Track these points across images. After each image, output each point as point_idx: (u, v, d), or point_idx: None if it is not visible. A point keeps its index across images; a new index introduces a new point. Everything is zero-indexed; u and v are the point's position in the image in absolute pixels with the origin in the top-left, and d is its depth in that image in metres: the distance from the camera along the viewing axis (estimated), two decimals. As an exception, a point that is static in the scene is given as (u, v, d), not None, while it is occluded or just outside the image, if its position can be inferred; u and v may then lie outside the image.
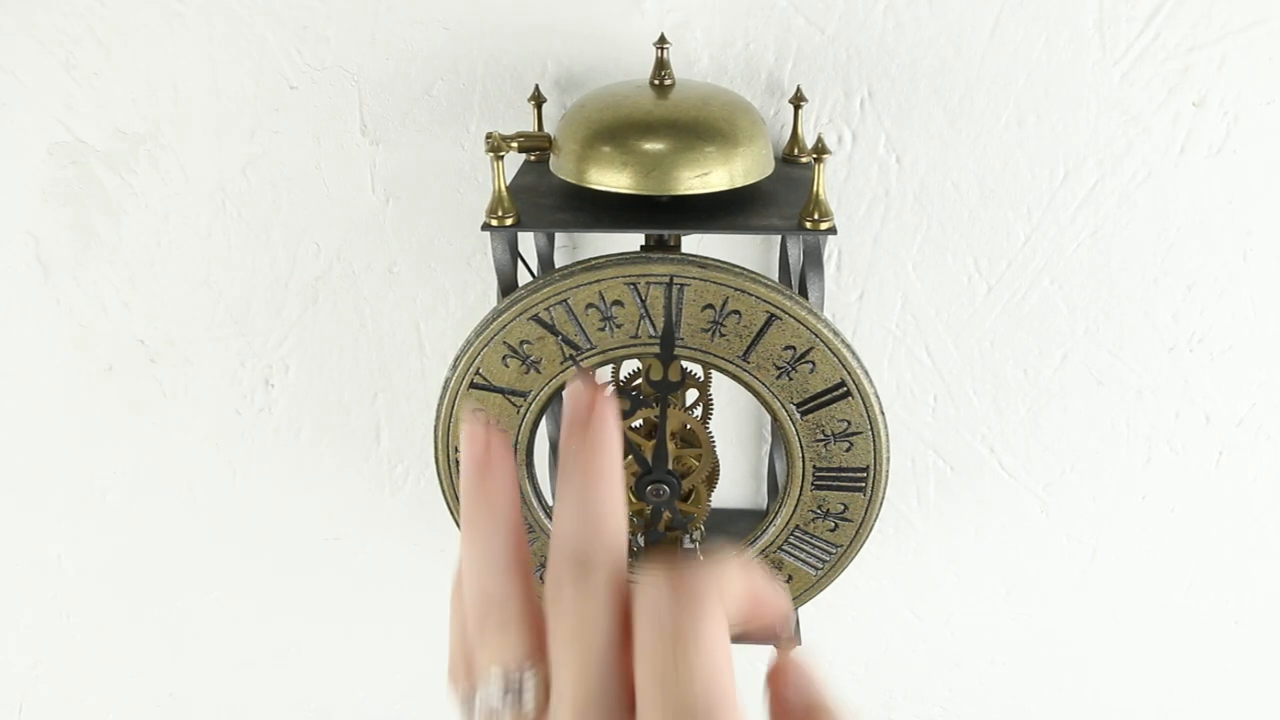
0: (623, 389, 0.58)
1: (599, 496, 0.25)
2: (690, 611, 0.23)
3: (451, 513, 0.53)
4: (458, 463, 0.52)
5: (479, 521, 0.27)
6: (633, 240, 0.52)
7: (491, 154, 0.47)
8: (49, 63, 0.59)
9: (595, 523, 0.25)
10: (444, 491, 0.53)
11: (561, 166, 0.49)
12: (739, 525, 0.65)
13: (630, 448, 0.51)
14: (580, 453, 0.25)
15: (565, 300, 0.47)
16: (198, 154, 0.61)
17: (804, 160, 0.55)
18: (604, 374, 0.27)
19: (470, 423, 0.26)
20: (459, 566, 0.28)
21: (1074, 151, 0.57)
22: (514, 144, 0.47)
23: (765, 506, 0.68)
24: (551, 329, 0.48)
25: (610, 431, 0.25)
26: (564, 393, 0.27)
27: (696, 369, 0.59)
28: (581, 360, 0.49)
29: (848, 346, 0.48)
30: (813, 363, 0.48)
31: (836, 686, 0.77)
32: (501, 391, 0.50)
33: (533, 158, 0.56)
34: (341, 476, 0.71)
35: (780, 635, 0.26)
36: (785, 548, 0.52)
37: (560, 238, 0.61)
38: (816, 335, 0.47)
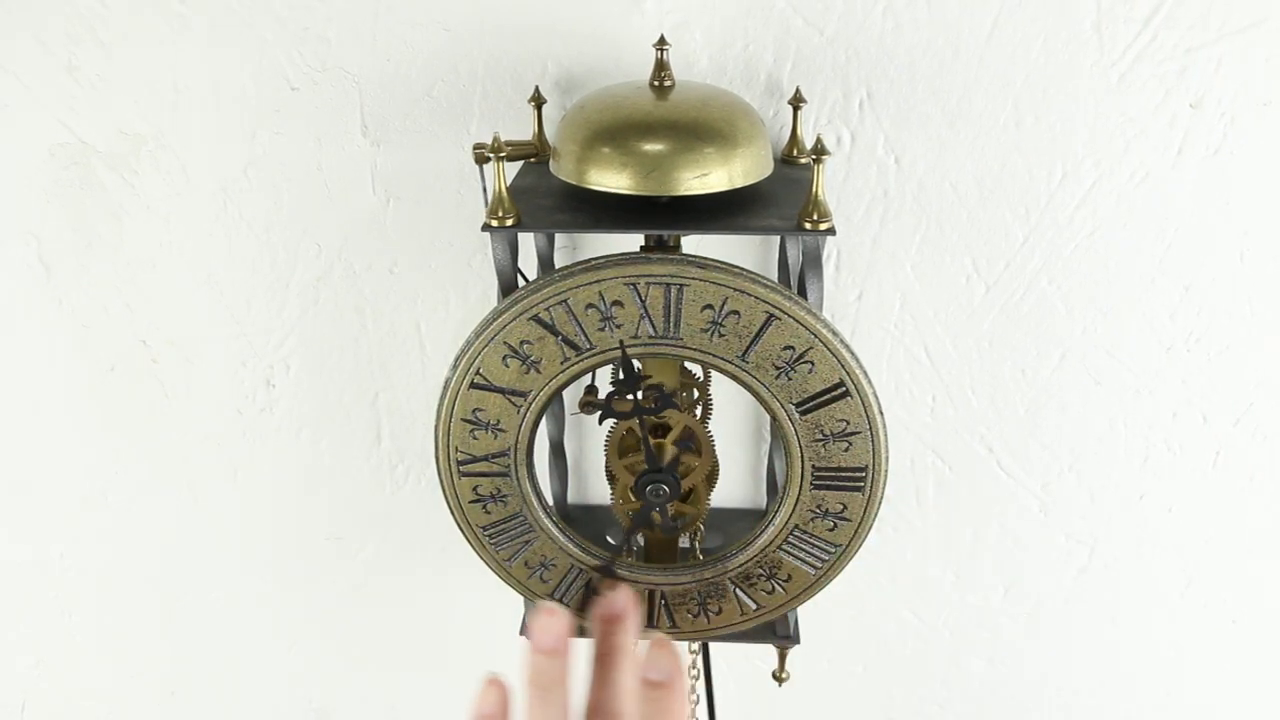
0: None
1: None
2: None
3: (452, 512, 0.53)
4: (459, 463, 0.52)
5: (555, 699, 0.33)
6: (633, 241, 0.52)
7: (481, 163, 0.47)
8: (51, 64, 0.59)
9: None
10: (444, 491, 0.53)
11: (561, 167, 0.49)
12: (738, 525, 0.65)
13: (645, 444, 0.52)
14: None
15: (565, 300, 0.47)
16: (199, 155, 0.61)
17: (803, 161, 0.56)
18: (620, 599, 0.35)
19: (546, 614, 0.32)
20: (480, 716, 0.34)
21: (1072, 152, 0.57)
22: (503, 153, 0.47)
23: (765, 506, 0.68)
24: (551, 329, 0.48)
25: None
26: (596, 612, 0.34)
27: (696, 369, 0.59)
28: (581, 360, 0.49)
29: (846, 347, 0.48)
30: (811, 363, 0.48)
31: (835, 686, 0.77)
32: (501, 391, 0.50)
33: (533, 159, 0.56)
34: (341, 476, 0.71)
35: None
36: (784, 547, 0.52)
37: (560, 238, 0.61)
38: (815, 335, 0.47)
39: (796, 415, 0.49)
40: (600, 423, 0.51)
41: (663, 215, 0.49)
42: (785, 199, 0.51)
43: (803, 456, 0.50)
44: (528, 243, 0.59)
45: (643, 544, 0.59)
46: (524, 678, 0.33)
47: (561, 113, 0.52)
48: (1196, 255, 0.60)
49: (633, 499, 0.57)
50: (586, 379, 0.60)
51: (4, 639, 0.80)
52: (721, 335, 0.48)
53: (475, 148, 0.50)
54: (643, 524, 0.54)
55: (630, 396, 0.50)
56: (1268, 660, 0.73)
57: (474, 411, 0.50)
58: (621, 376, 0.49)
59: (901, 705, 0.77)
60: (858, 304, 0.62)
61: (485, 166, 0.51)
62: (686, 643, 0.64)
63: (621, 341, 0.48)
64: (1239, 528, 0.68)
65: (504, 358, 0.49)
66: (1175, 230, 0.59)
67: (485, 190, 0.53)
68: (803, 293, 0.50)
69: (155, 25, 0.58)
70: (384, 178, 0.61)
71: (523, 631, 0.61)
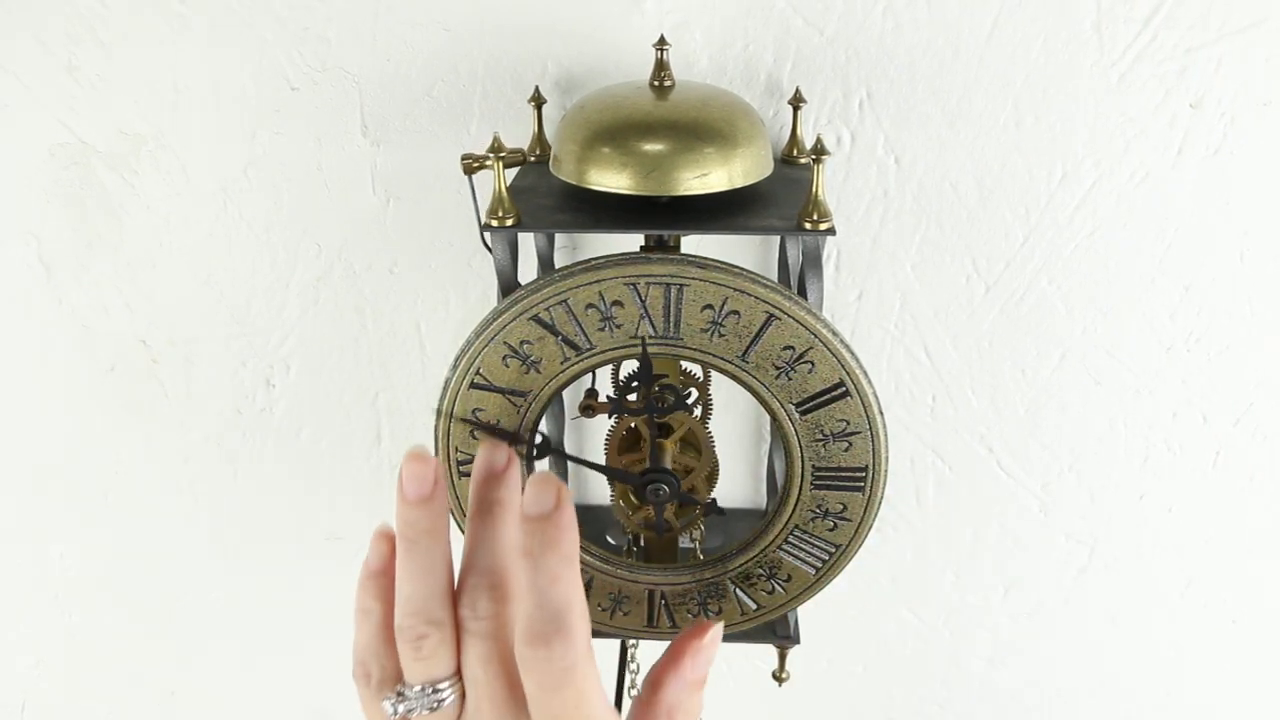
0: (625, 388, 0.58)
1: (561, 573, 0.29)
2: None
3: (451, 513, 0.53)
4: (459, 463, 0.52)
5: (427, 552, 0.30)
6: (632, 241, 0.52)
7: (469, 174, 0.48)
8: (51, 64, 0.59)
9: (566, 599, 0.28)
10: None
11: (561, 167, 0.49)
12: (738, 525, 0.65)
13: (651, 443, 0.52)
14: (543, 536, 0.28)
15: (565, 300, 0.47)
16: (199, 155, 0.61)
17: (803, 161, 0.56)
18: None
19: (414, 460, 0.29)
20: (370, 570, 0.33)
21: (1072, 152, 0.57)
22: (503, 153, 0.47)
23: (765, 506, 0.68)
24: (551, 329, 0.48)
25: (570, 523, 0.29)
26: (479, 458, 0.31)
27: (696, 369, 0.59)
28: (581, 360, 0.49)
29: (846, 346, 0.48)
30: (812, 363, 0.48)
31: (835, 686, 0.77)
32: (501, 391, 0.50)
33: (533, 159, 0.56)
34: (341, 476, 0.71)
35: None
36: (784, 547, 0.52)
37: (560, 238, 0.62)
38: (815, 335, 0.47)
39: (796, 415, 0.49)
40: (610, 417, 0.51)
41: (663, 215, 0.49)
42: (785, 199, 0.51)
43: (803, 456, 0.50)
44: (528, 243, 0.59)
45: (643, 544, 0.59)
46: (396, 530, 0.30)
47: (561, 113, 0.52)
48: (1196, 255, 0.60)
49: (633, 499, 0.57)
50: (587, 380, 0.60)
51: (4, 639, 0.80)
52: (721, 335, 0.48)
53: (464, 158, 0.50)
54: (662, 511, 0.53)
55: (639, 395, 0.50)
56: (1268, 660, 0.73)
57: (474, 412, 0.50)
58: (639, 372, 0.49)
59: (901, 705, 0.77)
60: (858, 304, 0.62)
61: (474, 177, 0.51)
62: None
63: (642, 338, 0.48)
64: (1239, 528, 0.68)
65: (504, 358, 0.49)
66: (1175, 230, 0.59)
67: (475, 200, 0.53)
68: (803, 293, 0.50)
69: (155, 25, 0.58)
70: (384, 178, 0.61)
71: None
